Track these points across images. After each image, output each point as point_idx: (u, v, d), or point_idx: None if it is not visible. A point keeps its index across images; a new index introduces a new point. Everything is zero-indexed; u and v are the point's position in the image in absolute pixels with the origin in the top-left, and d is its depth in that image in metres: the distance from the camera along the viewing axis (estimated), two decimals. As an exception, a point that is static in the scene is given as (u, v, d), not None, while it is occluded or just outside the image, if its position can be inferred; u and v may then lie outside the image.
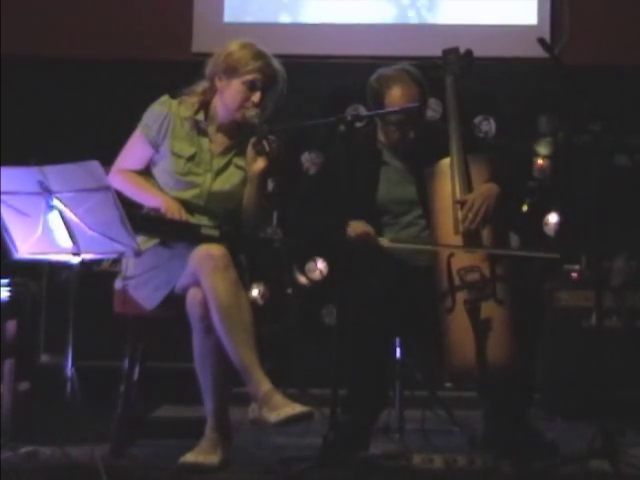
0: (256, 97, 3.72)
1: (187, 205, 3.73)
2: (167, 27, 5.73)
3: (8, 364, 4.09)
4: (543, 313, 4.01)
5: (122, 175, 3.78)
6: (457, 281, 3.64)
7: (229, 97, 3.74)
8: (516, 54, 5.54)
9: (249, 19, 5.81)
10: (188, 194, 3.75)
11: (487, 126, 5.46)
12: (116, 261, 4.14)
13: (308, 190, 5.42)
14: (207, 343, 3.52)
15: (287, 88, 3.79)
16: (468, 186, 3.77)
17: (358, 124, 3.77)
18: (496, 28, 5.71)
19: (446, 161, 3.81)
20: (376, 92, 3.92)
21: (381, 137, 4.01)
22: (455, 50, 3.95)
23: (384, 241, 3.80)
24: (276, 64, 3.77)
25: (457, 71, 3.91)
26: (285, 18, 5.81)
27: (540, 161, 5.47)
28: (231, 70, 3.73)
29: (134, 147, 3.81)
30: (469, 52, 3.95)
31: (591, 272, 4.77)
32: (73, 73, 5.65)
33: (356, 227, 3.82)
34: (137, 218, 3.56)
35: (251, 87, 3.73)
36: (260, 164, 3.71)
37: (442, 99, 4.10)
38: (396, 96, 3.88)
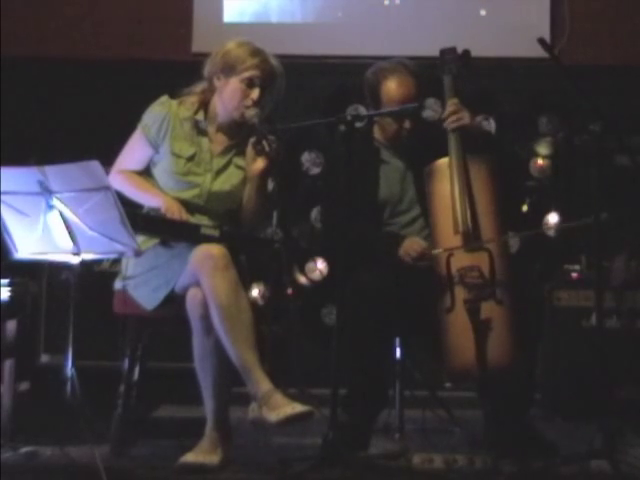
0: (255, 94, 3.72)
1: (187, 205, 3.72)
2: (167, 27, 5.73)
3: (8, 364, 4.09)
4: (543, 313, 4.01)
5: (122, 175, 3.78)
6: (457, 281, 3.64)
7: (228, 95, 3.74)
8: (516, 54, 5.54)
9: (249, 19, 5.80)
10: (188, 194, 3.75)
11: (487, 126, 5.45)
12: (116, 261, 4.14)
13: (308, 190, 5.42)
14: (207, 343, 3.52)
15: (286, 87, 3.79)
16: (467, 186, 3.76)
17: (358, 124, 3.76)
18: (496, 28, 5.70)
19: (445, 160, 3.81)
20: (372, 85, 3.93)
21: (377, 135, 4.01)
22: (452, 50, 3.94)
23: (440, 252, 3.71)
24: (274, 61, 3.77)
25: (455, 70, 3.90)
26: (285, 18, 5.80)
27: (540, 161, 5.47)
28: (229, 68, 3.73)
29: (134, 147, 3.81)
30: (466, 52, 3.94)
31: (591, 272, 4.76)
32: (73, 73, 5.65)
33: (411, 247, 3.79)
34: (137, 218, 3.55)
35: (249, 84, 3.72)
36: (260, 164, 3.71)
37: (442, 99, 4.09)
38: (392, 87, 3.88)
